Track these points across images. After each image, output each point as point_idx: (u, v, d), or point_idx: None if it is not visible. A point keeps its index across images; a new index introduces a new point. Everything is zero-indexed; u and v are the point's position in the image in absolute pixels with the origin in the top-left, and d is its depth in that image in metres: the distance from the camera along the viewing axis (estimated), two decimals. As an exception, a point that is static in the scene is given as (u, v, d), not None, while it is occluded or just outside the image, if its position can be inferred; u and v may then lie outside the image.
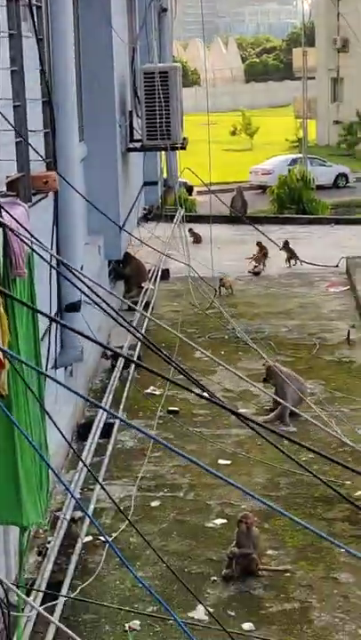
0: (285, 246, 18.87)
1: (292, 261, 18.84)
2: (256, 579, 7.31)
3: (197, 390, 7.08)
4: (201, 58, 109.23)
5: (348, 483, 8.88)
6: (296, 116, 67.45)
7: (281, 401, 10.33)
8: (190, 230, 19.51)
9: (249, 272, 18.42)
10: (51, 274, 8.41)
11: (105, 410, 7.71)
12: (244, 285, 17.23)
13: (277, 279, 17.74)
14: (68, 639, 6.45)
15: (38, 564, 7.54)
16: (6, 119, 6.86)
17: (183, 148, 16.60)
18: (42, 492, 6.46)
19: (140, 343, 11.90)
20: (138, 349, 12.25)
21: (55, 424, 5.81)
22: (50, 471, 6.43)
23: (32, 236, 5.84)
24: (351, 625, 6.70)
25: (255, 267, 18.43)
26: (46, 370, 8.27)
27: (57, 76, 9.83)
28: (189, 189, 30.59)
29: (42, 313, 6.66)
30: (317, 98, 70.97)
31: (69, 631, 6.37)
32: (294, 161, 44.97)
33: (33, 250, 6.12)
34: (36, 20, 8.43)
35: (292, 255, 18.84)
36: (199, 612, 6.81)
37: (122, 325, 6.27)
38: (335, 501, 8.48)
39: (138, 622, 6.80)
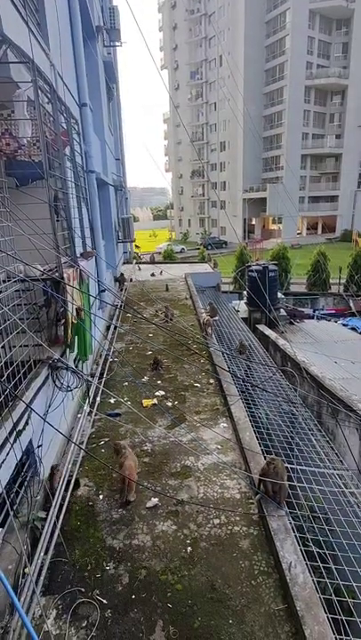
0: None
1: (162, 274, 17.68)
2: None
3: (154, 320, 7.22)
4: (137, 213, 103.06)
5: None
6: (169, 230, 69.86)
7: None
8: (138, 266, 20.60)
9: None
10: (97, 284, 8.84)
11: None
12: (152, 284, 16.60)
13: (163, 281, 17.25)
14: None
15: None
16: (84, 235, 7.73)
17: (133, 241, 17.48)
18: (90, 349, 6.51)
19: (123, 303, 12.52)
20: (122, 303, 12.46)
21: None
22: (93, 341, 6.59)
23: (88, 271, 6.52)
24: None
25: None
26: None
27: (94, 223, 10.00)
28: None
29: (92, 295, 6.84)
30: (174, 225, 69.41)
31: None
32: (169, 245, 45.39)
33: (89, 275, 6.60)
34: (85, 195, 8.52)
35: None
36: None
37: (115, 296, 6.90)
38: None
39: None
